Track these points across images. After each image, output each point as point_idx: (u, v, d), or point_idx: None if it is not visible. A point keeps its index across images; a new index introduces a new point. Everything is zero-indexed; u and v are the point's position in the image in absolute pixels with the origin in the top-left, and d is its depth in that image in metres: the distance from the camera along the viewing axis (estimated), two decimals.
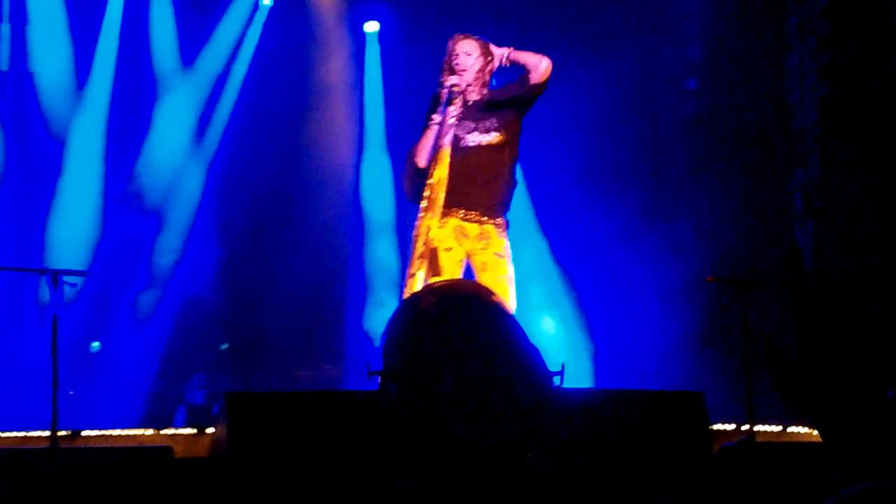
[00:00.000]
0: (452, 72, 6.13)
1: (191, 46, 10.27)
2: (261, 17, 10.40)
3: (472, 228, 6.06)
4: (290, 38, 10.43)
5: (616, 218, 9.82)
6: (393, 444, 4.52)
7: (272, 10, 10.41)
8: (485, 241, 6.06)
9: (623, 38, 9.94)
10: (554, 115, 9.68)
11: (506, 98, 6.12)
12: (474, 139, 6.08)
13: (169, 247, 10.01)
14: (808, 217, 9.06)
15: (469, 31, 6.28)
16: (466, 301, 5.01)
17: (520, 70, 6.10)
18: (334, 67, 10.64)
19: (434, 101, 6.15)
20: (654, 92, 10.02)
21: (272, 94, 10.32)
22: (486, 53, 6.17)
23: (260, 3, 10.41)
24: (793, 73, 9.32)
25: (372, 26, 10.59)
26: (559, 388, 4.71)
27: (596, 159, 9.96)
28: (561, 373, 4.90)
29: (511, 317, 4.91)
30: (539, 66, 6.03)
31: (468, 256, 6.10)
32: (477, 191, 6.04)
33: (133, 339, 9.69)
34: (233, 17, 10.38)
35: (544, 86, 6.08)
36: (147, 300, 9.86)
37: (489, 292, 5.17)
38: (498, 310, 4.98)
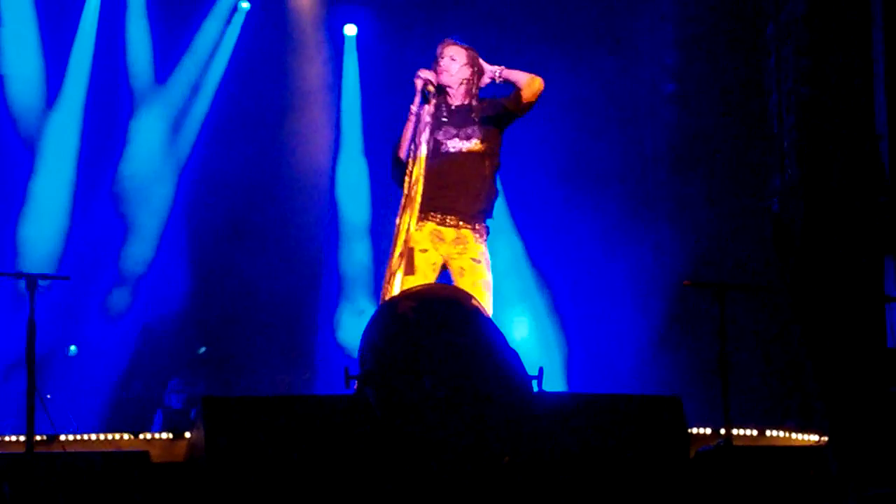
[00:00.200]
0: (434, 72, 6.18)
1: (168, 50, 10.24)
2: (238, 21, 10.39)
3: (449, 233, 6.09)
4: (267, 41, 10.43)
5: (593, 220, 9.86)
6: (370, 448, 4.53)
7: (250, 13, 10.39)
8: (461, 246, 6.09)
9: (599, 40, 9.97)
10: (533, 115, 9.71)
11: (493, 111, 6.16)
12: (455, 145, 6.11)
13: (143, 250, 9.98)
14: (784, 221, 9.09)
15: (454, 37, 6.31)
16: (444, 305, 5.03)
17: (510, 87, 6.17)
18: (312, 71, 10.64)
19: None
20: (632, 95, 10.05)
21: (248, 97, 10.32)
22: (474, 64, 6.22)
23: (238, 5, 10.39)
24: (770, 78, 9.35)
25: (350, 30, 10.58)
26: (537, 391, 4.72)
27: (574, 161, 10.00)
28: (539, 377, 4.91)
29: (490, 321, 4.92)
30: (532, 85, 6.12)
31: (446, 261, 6.12)
32: (455, 196, 6.08)
33: (109, 342, 9.67)
34: (211, 21, 10.37)
35: (534, 104, 6.16)
36: (120, 303, 9.83)
37: (468, 296, 5.18)
38: (476, 314, 4.99)
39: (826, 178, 8.86)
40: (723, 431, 5.76)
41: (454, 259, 6.09)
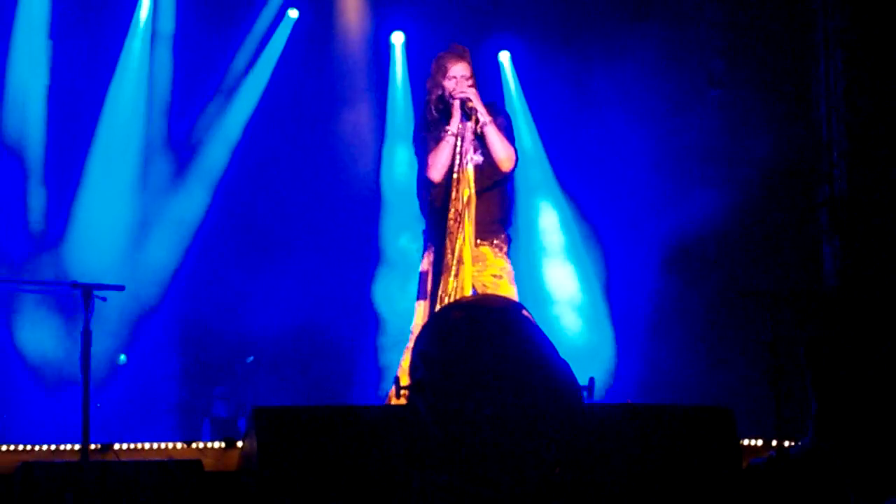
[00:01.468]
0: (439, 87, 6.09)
1: (215, 56, 10.29)
2: (285, 29, 10.42)
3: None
4: (315, 49, 10.46)
5: (642, 235, 9.84)
6: (421, 458, 4.53)
7: (297, 22, 10.43)
8: (480, 264, 6.00)
9: (648, 50, 9.94)
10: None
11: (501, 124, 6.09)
12: (471, 158, 6.02)
13: (181, 257, 10.03)
14: (834, 232, 9.03)
15: (455, 49, 6.20)
16: (495, 315, 5.02)
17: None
18: (359, 79, 10.64)
19: (432, 113, 6.09)
20: (677, 99, 9.99)
21: (293, 105, 10.34)
22: (474, 76, 6.13)
23: (286, 14, 10.43)
24: (819, 88, 9.29)
25: (398, 38, 10.59)
26: (588, 402, 4.72)
27: (621, 169, 10.01)
28: (590, 387, 4.90)
29: (540, 331, 4.91)
30: (509, 163, 6.05)
31: (472, 280, 5.99)
32: (473, 213, 5.97)
33: (159, 351, 9.71)
34: (258, 29, 10.43)
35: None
36: (165, 312, 9.87)
37: (518, 306, 5.17)
38: (527, 324, 4.98)
39: (875, 189, 8.79)
40: (774, 443, 5.72)
41: (475, 277, 5.98)
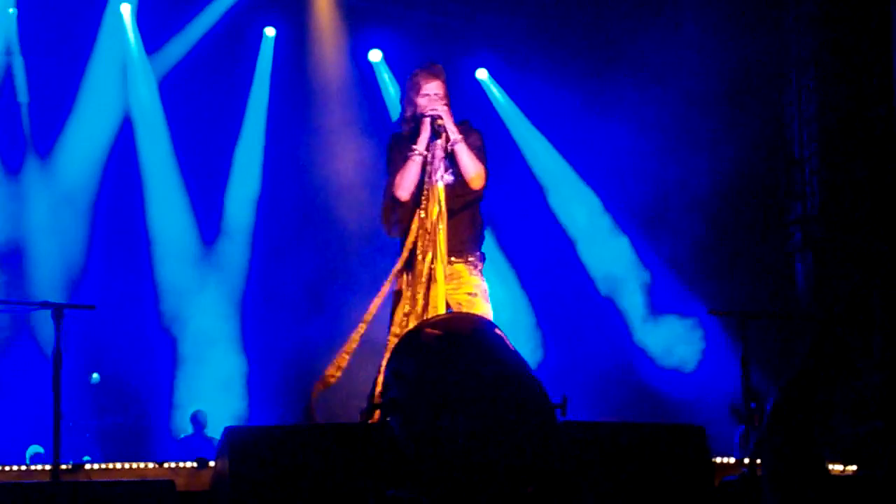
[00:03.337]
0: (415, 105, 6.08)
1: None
2: (267, 49, 10.44)
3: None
4: (294, 65, 10.47)
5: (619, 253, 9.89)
6: (394, 476, 4.52)
7: (276, 39, 10.45)
8: (455, 282, 5.96)
9: (619, 62, 10.00)
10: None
11: (472, 143, 6.07)
12: (443, 178, 6.00)
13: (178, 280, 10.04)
14: (807, 248, 9.07)
15: (430, 67, 6.17)
16: (468, 334, 5.01)
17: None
18: (338, 98, 10.64)
19: (404, 134, 6.08)
20: (650, 120, 10.05)
21: (276, 128, 10.38)
22: (447, 95, 6.12)
23: (264, 34, 10.45)
24: (791, 108, 9.34)
25: (375, 55, 10.61)
26: (561, 420, 4.71)
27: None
28: (563, 405, 4.89)
29: (512, 349, 4.90)
30: (479, 181, 6.02)
31: (446, 297, 5.98)
32: (445, 230, 5.96)
33: (136, 371, 9.68)
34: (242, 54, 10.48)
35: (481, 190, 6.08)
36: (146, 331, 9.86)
37: (491, 325, 5.15)
38: (500, 342, 4.97)
39: (847, 206, 8.85)
40: (746, 461, 5.73)
41: (450, 295, 5.94)
